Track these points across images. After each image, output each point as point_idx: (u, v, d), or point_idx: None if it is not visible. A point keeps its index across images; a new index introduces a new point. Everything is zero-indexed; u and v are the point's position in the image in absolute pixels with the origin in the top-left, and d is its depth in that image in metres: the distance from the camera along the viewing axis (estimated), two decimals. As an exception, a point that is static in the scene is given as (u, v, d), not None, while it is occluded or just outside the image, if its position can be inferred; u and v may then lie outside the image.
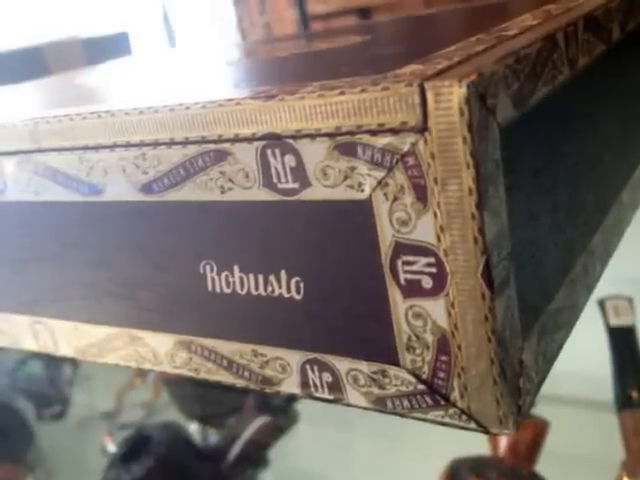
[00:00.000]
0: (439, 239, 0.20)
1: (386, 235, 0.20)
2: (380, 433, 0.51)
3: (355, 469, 0.54)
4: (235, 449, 0.53)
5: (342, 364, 0.23)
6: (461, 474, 0.42)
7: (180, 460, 0.52)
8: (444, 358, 0.21)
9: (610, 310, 0.49)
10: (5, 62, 0.79)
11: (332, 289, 0.22)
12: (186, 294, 0.26)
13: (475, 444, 0.42)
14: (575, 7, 0.29)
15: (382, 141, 0.19)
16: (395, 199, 0.20)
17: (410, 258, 0.20)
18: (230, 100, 0.22)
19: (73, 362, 0.68)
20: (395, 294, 0.21)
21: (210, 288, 0.25)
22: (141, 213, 0.26)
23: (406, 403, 0.22)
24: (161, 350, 0.28)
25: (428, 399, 0.22)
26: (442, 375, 0.21)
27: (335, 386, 0.24)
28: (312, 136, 0.21)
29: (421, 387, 0.22)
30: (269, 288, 0.24)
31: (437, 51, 0.22)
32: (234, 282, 0.25)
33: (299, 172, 0.21)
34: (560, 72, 0.24)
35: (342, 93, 0.20)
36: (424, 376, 0.22)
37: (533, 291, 0.22)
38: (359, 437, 0.57)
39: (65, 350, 0.32)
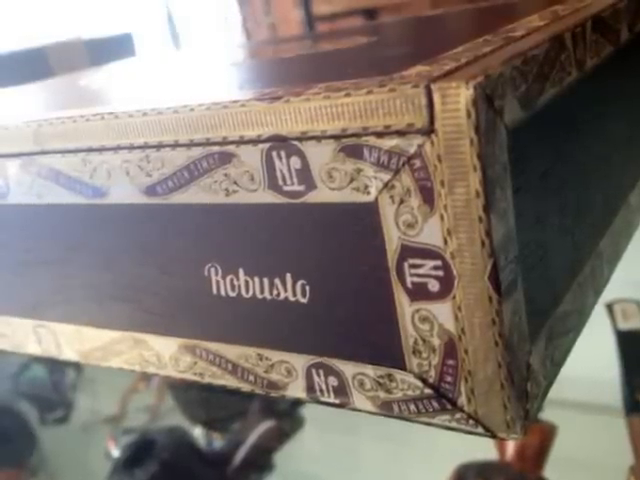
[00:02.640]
0: (446, 242, 0.19)
1: (392, 238, 0.20)
2: (386, 437, 0.51)
3: (361, 473, 0.54)
4: (240, 454, 0.53)
5: (348, 368, 0.23)
6: (468, 479, 0.42)
7: (184, 465, 0.52)
8: (451, 362, 0.21)
9: (618, 313, 0.49)
10: (8, 63, 0.79)
11: (338, 292, 0.22)
12: (191, 297, 0.26)
13: (482, 449, 0.42)
14: (583, 8, 0.29)
15: (388, 143, 0.19)
16: (401, 202, 0.20)
17: (416, 261, 0.20)
18: (235, 102, 0.22)
19: (76, 366, 0.68)
20: (401, 297, 0.21)
21: (215, 291, 0.25)
22: (145, 216, 0.26)
23: (413, 407, 0.22)
24: (165, 354, 0.28)
25: (435, 403, 0.22)
26: (449, 379, 0.21)
27: (341, 390, 0.24)
28: (318, 138, 0.20)
29: (428, 391, 0.22)
30: (274, 291, 0.24)
31: (444, 52, 0.22)
32: (239, 285, 0.24)
33: (304, 174, 0.21)
34: (568, 73, 0.24)
35: (348, 95, 0.19)
36: (431, 380, 0.21)
37: (541, 294, 0.22)
38: (365, 441, 0.57)
39: (68, 354, 0.32)
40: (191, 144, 0.23)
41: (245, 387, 0.26)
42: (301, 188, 0.21)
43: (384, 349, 0.22)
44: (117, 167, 0.25)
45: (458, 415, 0.21)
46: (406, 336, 0.21)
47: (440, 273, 0.20)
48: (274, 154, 0.21)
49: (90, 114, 0.25)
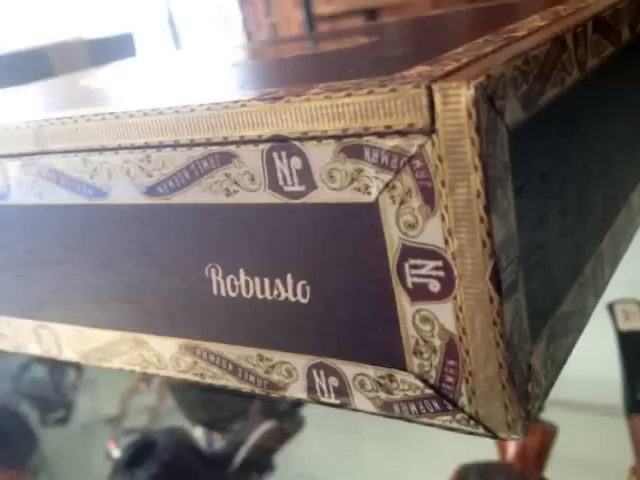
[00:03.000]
0: (447, 242, 0.19)
1: (393, 238, 0.20)
2: (387, 438, 0.51)
3: (361, 474, 0.54)
4: (240, 454, 0.53)
5: (349, 369, 0.23)
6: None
7: (185, 465, 0.52)
8: (452, 362, 0.21)
9: (619, 314, 0.49)
10: (10, 63, 0.79)
11: (338, 293, 0.22)
12: (191, 298, 0.26)
13: (483, 449, 0.42)
14: (584, 8, 0.29)
15: (389, 143, 0.19)
16: (402, 202, 0.20)
17: (417, 261, 0.20)
18: (236, 102, 0.22)
19: (77, 366, 0.68)
20: (402, 298, 0.21)
21: (215, 292, 0.25)
22: (146, 216, 0.26)
23: (413, 408, 0.22)
24: (166, 354, 0.28)
25: (436, 404, 0.22)
26: (450, 380, 0.21)
27: (342, 391, 0.24)
28: (318, 138, 0.20)
29: (429, 392, 0.22)
30: (275, 292, 0.24)
31: (445, 52, 0.22)
32: (240, 286, 0.24)
33: (305, 175, 0.21)
34: (569, 73, 0.24)
35: (349, 95, 0.19)
36: (432, 381, 0.21)
37: (542, 295, 0.22)
38: (366, 442, 0.57)
39: (69, 354, 0.32)
40: (192, 144, 0.23)
41: (246, 388, 0.26)
42: (302, 188, 0.21)
43: (385, 349, 0.22)
44: (118, 167, 0.25)
45: (459, 416, 0.21)
46: (407, 336, 0.21)
47: (441, 273, 0.20)
48: (275, 154, 0.21)
49: (91, 114, 0.25)
